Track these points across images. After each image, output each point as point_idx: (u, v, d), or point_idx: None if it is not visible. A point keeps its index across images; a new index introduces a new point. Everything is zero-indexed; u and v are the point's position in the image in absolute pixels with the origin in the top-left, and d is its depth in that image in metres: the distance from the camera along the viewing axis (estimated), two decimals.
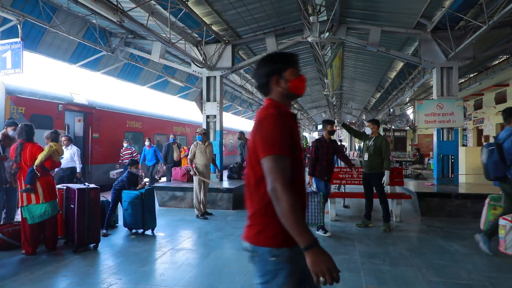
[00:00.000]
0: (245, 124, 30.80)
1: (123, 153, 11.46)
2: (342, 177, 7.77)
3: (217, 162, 10.05)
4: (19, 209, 5.04)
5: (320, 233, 5.95)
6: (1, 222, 5.54)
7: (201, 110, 10.47)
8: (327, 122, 6.55)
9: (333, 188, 7.90)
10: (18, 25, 7.90)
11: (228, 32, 10.09)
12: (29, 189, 4.88)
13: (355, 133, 7.28)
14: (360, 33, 10.38)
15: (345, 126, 7.20)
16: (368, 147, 6.44)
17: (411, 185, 8.89)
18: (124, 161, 10.98)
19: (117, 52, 10.99)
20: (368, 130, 6.59)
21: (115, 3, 6.84)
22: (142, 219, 5.98)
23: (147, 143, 12.00)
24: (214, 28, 9.71)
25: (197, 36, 10.18)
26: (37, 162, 4.95)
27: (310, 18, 8.35)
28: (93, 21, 9.63)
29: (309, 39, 9.05)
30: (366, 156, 6.46)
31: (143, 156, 11.92)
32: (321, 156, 6.25)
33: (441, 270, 4.30)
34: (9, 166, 5.44)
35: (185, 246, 5.46)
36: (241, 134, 12.06)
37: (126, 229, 6.24)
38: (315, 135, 52.32)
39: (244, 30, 10.14)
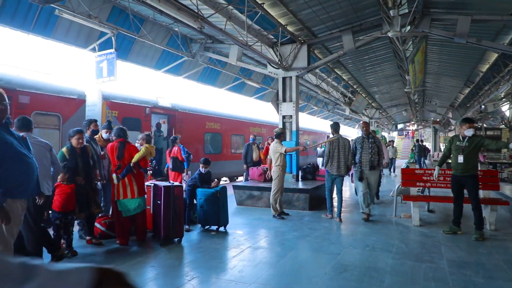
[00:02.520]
0: (320, 124, 30.42)
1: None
2: (426, 180, 7.24)
3: (294, 162, 10.07)
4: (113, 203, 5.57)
5: None
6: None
7: (277, 110, 10.57)
8: None
9: (416, 191, 7.42)
10: (112, 37, 8.76)
11: (303, 31, 10.04)
12: (119, 178, 5.40)
13: (497, 144, 6.12)
14: (446, 24, 9.63)
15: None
16: (463, 148, 5.89)
17: (508, 189, 8.01)
18: None
19: (197, 57, 11.60)
20: (469, 132, 5.94)
21: (196, 11, 7.21)
22: (218, 216, 6.24)
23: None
24: (290, 28, 9.73)
25: (272, 37, 10.30)
26: (134, 160, 5.51)
27: (390, 11, 7.96)
28: (176, 29, 10.32)
29: (389, 34, 8.62)
30: (460, 158, 5.89)
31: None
32: None
33: None
34: (106, 164, 6.04)
35: (262, 244, 5.55)
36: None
37: (203, 225, 6.54)
38: (395, 134, 49.66)
39: (319, 29, 10.01)
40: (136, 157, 5.52)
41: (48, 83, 8.76)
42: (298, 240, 5.73)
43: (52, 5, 6.60)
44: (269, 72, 10.93)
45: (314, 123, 29.17)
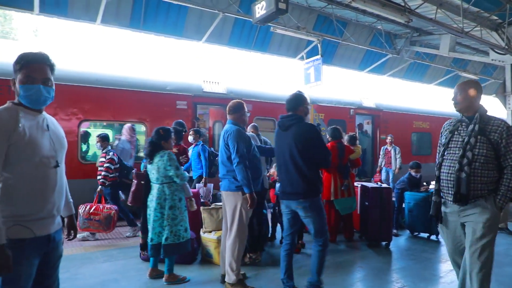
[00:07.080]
0: None
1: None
2: None
3: None
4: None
5: None
6: None
7: (504, 104, 8.94)
8: None
9: None
10: (318, 44, 9.33)
11: None
12: (347, 185, 5.53)
13: None
14: None
15: None
16: None
17: None
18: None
19: (402, 53, 11.05)
20: None
21: (402, 4, 6.86)
22: (429, 223, 5.71)
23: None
24: None
25: (497, 18, 8.75)
26: (353, 157, 5.87)
27: None
28: (379, 27, 10.10)
29: None
30: None
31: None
32: None
33: None
34: None
35: None
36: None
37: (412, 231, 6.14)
38: None
39: None
40: (354, 155, 5.84)
41: (265, 92, 10.00)
42: None
43: (268, 23, 7.53)
44: (492, 60, 9.38)
45: None
